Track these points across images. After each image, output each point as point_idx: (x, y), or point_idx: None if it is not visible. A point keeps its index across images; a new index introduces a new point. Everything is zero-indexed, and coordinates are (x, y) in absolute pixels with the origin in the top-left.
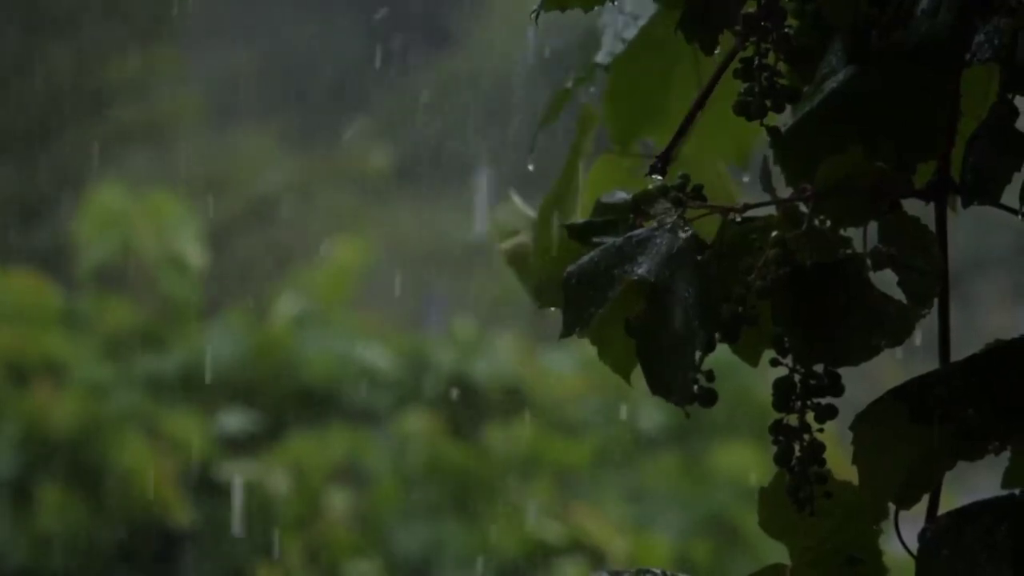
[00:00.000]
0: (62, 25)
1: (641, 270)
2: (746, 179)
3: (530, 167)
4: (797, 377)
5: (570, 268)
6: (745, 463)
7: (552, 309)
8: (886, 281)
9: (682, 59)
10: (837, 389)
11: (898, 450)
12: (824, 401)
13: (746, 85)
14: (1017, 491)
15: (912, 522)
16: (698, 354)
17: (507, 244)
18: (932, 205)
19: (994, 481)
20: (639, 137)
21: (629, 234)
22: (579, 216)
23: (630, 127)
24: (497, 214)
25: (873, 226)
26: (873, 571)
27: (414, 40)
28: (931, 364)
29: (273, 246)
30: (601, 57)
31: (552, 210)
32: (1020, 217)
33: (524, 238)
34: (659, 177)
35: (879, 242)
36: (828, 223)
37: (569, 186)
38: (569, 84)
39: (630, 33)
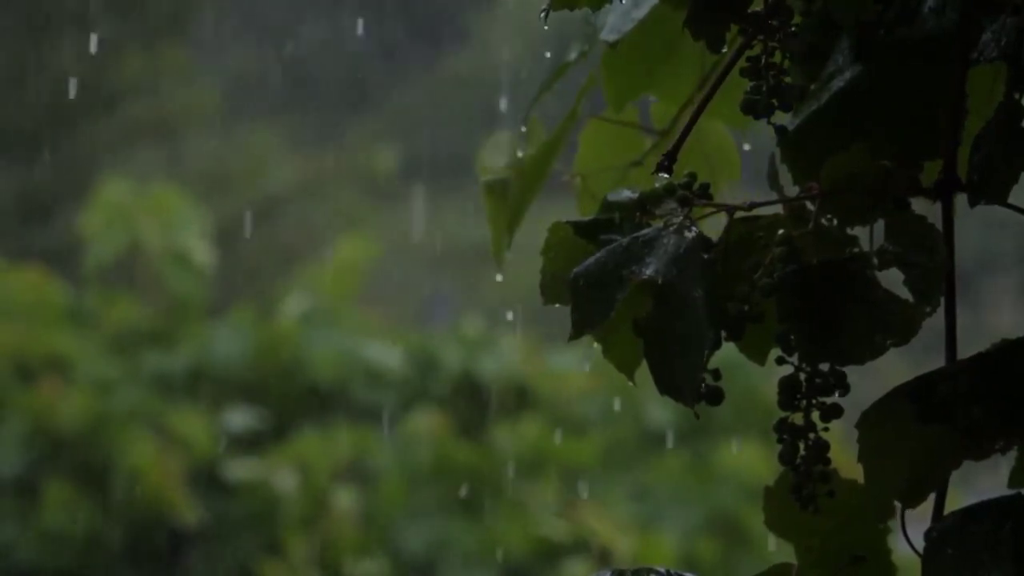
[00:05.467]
0: (71, 24)
1: (649, 270)
2: (747, 147)
3: (523, 128)
4: (803, 376)
5: (577, 270)
6: (752, 462)
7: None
8: (894, 281)
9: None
10: (843, 388)
11: (903, 449)
12: (830, 400)
13: (753, 83)
14: (1022, 490)
15: (921, 522)
16: (706, 353)
17: (488, 177)
18: (939, 204)
19: (1002, 481)
20: (635, 98)
21: (636, 234)
22: (551, 173)
23: (627, 89)
24: (486, 148)
25: (879, 225)
26: (880, 570)
27: (422, 40)
28: (938, 363)
29: (280, 245)
30: (607, 34)
31: (537, 165)
32: None
33: (505, 175)
34: (666, 175)
35: (885, 240)
36: (834, 222)
37: (556, 143)
38: (571, 57)
39: (640, 13)
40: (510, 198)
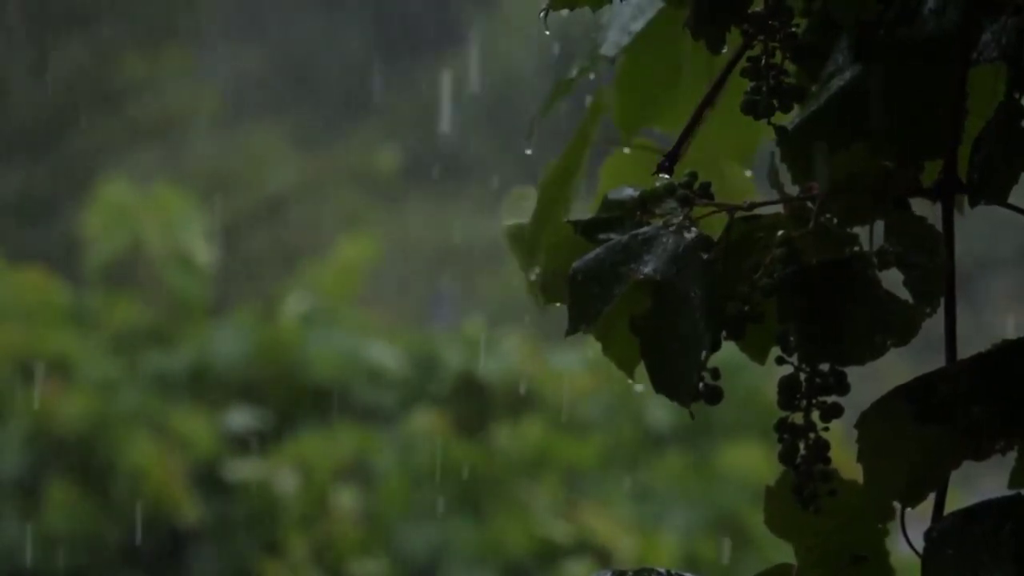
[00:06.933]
0: (74, 25)
1: (647, 268)
2: (748, 174)
3: (527, 152)
4: (803, 375)
5: (576, 265)
6: (753, 463)
7: (557, 304)
8: (894, 282)
9: (694, 50)
10: (843, 388)
11: (903, 449)
12: (830, 400)
13: (753, 84)
14: (1023, 491)
15: (921, 522)
16: (704, 353)
17: (509, 222)
18: (939, 204)
19: (1001, 481)
20: (645, 126)
21: (635, 232)
22: (577, 199)
23: (637, 115)
24: (509, 202)
25: (879, 225)
26: (878, 570)
27: (423, 40)
28: (938, 364)
29: (282, 244)
30: (606, 49)
31: (553, 192)
32: None
33: (526, 220)
34: (666, 175)
35: (885, 241)
36: (835, 221)
37: (572, 169)
38: (573, 74)
39: (637, 26)
40: (527, 228)
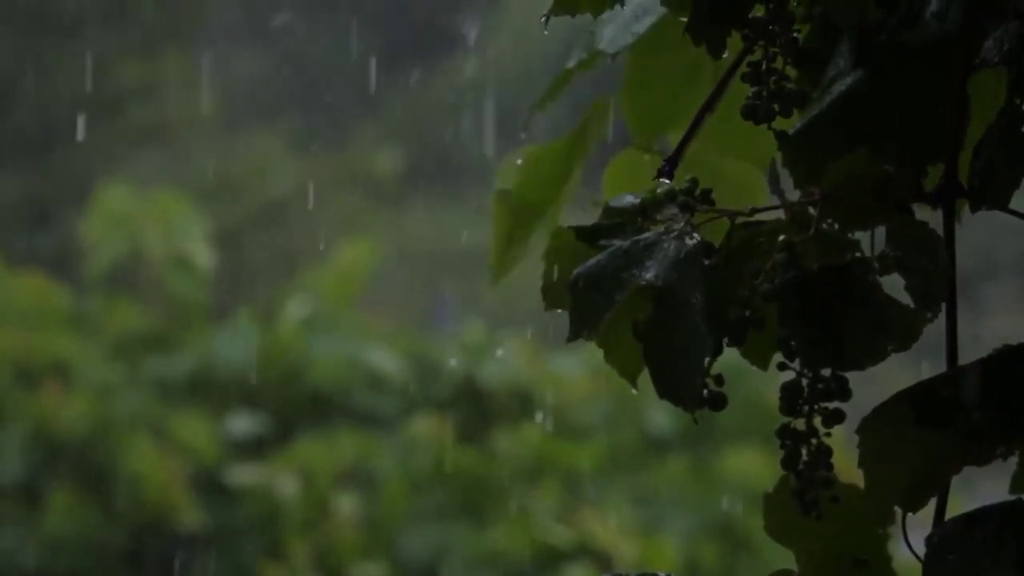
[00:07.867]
0: (73, 30)
1: (649, 274)
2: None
3: (523, 137)
4: (804, 381)
5: (577, 271)
6: (754, 468)
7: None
8: (896, 286)
9: (708, 58)
10: (844, 393)
11: (904, 453)
12: (831, 405)
13: (754, 89)
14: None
15: (922, 527)
16: (707, 359)
17: (502, 186)
18: (940, 209)
19: (1003, 486)
20: (661, 131)
21: (636, 238)
22: (567, 201)
23: (652, 124)
24: (508, 162)
25: (881, 230)
26: (880, 575)
27: (424, 44)
28: (939, 369)
29: (282, 249)
30: (605, 45)
31: (543, 191)
32: None
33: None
34: (667, 180)
35: (886, 245)
36: (836, 226)
37: (564, 165)
38: (570, 65)
39: (640, 27)
40: (516, 217)
